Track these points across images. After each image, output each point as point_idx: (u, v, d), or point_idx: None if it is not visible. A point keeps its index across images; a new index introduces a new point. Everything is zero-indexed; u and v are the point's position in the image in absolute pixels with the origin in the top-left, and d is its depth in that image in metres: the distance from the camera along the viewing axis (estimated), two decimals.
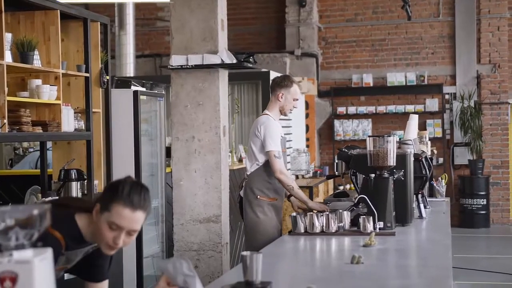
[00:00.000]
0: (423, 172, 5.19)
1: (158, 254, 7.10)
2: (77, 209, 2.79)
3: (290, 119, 10.79)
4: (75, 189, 5.67)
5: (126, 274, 6.33)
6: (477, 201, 12.64)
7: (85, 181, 5.83)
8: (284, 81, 5.47)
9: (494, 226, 12.86)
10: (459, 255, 9.80)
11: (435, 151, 10.42)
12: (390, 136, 4.56)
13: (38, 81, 5.24)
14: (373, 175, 4.53)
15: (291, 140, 10.83)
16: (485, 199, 12.67)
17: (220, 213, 5.93)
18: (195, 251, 5.92)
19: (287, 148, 10.08)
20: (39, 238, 2.28)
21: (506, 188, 13.05)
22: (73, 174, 5.67)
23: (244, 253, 2.81)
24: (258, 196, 5.35)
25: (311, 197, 9.08)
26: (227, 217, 6.09)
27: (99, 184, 6.12)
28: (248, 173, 5.43)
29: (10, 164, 8.98)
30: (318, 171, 11.14)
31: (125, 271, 6.25)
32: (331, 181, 11.67)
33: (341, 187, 12.50)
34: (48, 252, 1.85)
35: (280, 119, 9.06)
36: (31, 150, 9.09)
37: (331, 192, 10.77)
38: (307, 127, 12.83)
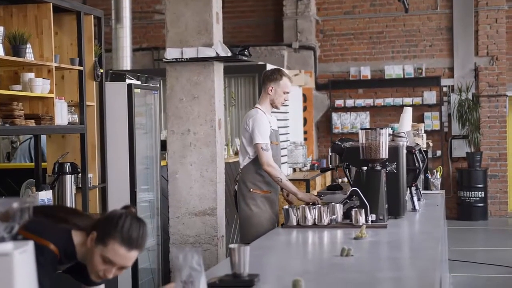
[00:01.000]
0: (416, 164, 5.18)
1: (153, 247, 7.10)
2: (74, 225, 2.78)
3: (287, 112, 10.80)
4: (69, 183, 5.67)
5: None
6: (475, 193, 12.65)
7: (79, 174, 5.82)
8: (274, 75, 5.49)
9: (492, 218, 12.87)
10: (456, 247, 9.81)
11: (431, 144, 10.41)
12: (382, 129, 4.56)
13: (31, 75, 5.23)
14: (365, 167, 4.54)
15: (288, 133, 10.84)
16: (483, 192, 12.67)
17: (215, 206, 5.93)
18: (190, 244, 5.92)
19: (282, 141, 10.13)
20: (35, 250, 2.27)
21: (504, 181, 13.06)
22: (67, 167, 5.66)
23: (232, 245, 2.82)
24: (251, 189, 5.39)
25: (307, 190, 9.09)
26: (222, 210, 6.09)
27: (93, 177, 6.12)
28: (240, 167, 5.49)
29: (7, 157, 8.98)
30: (316, 164, 11.14)
31: None
32: (328, 174, 11.68)
33: (339, 180, 12.52)
34: (29, 245, 1.85)
35: (278, 112, 9.09)
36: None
37: (328, 185, 10.77)
38: (305, 120, 12.83)
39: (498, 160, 13.02)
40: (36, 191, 5.51)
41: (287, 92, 5.51)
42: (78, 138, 5.92)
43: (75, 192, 5.76)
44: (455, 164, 13.13)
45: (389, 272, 3.20)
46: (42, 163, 6.01)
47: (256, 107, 5.50)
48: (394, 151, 4.68)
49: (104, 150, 6.28)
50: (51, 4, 5.41)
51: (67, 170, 5.66)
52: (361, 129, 4.60)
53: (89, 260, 2.71)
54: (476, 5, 12.99)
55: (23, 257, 1.80)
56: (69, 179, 5.67)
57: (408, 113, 5.67)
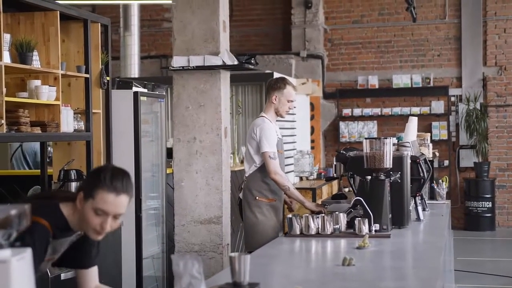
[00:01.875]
0: (421, 174, 5.17)
1: (158, 255, 7.11)
2: (61, 199, 2.86)
3: (295, 121, 10.80)
4: (75, 190, 5.69)
5: (125, 275, 6.34)
6: (482, 203, 12.60)
7: None
8: (277, 83, 5.53)
9: (499, 229, 12.82)
10: (463, 258, 9.78)
11: (437, 154, 10.38)
12: (386, 138, 4.56)
13: (37, 82, 5.26)
14: (369, 177, 4.53)
15: (295, 142, 10.84)
16: (490, 202, 12.63)
17: (221, 214, 5.93)
18: (196, 252, 5.93)
19: (288, 150, 10.13)
20: (26, 229, 2.34)
21: (511, 191, 13.00)
22: (73, 174, 5.68)
23: (232, 254, 2.82)
24: (257, 197, 5.41)
25: (313, 199, 9.08)
26: (228, 218, 6.09)
27: None
28: (246, 175, 5.52)
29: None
30: (323, 173, 11.13)
31: (124, 272, 6.26)
32: (335, 183, 11.65)
33: (346, 189, 12.49)
34: (27, 252, 1.85)
35: (285, 121, 9.11)
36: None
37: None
38: (312, 128, 12.83)
39: (506, 170, 12.98)
40: None
41: (291, 101, 5.54)
42: (84, 145, 5.95)
43: None
44: (462, 174, 13.10)
45: (390, 282, 3.19)
46: (48, 170, 6.03)
47: (262, 116, 5.54)
48: (398, 160, 4.67)
49: (110, 158, 6.30)
50: (58, 12, 5.45)
51: (73, 177, 5.68)
52: (366, 138, 4.60)
53: (84, 220, 2.76)
54: (484, 15, 12.98)
55: (20, 264, 1.81)
56: (74, 186, 5.69)
57: (413, 122, 5.67)
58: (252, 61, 6.24)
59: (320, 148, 13.16)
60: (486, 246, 11.67)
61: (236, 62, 5.96)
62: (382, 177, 4.54)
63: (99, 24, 6.17)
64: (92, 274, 3.07)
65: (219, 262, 5.88)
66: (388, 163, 4.51)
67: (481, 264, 9.69)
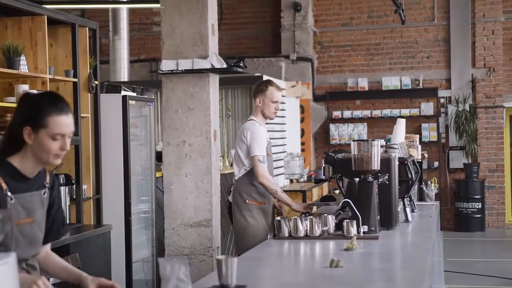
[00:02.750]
0: (409, 176, 5.19)
1: (148, 258, 7.11)
2: (4, 155, 2.82)
3: (285, 124, 10.82)
4: (63, 194, 5.67)
5: (115, 278, 6.33)
6: (472, 204, 12.65)
7: (74, 185, 5.84)
8: (259, 86, 5.63)
9: (489, 229, 12.87)
10: (454, 258, 9.81)
11: (426, 155, 10.42)
12: (374, 140, 4.57)
13: (25, 86, 5.26)
14: (357, 179, 4.54)
15: (285, 145, 10.86)
16: (480, 203, 12.67)
17: (211, 217, 5.94)
18: (186, 255, 5.93)
19: (279, 152, 10.13)
20: None
21: (501, 192, 13.06)
22: (62, 178, 5.68)
23: (219, 257, 2.83)
24: (247, 201, 5.44)
25: (304, 201, 9.09)
26: (218, 221, 6.10)
27: (88, 189, 6.13)
28: (235, 178, 5.55)
29: None
30: (313, 175, 11.14)
31: (113, 275, 6.25)
32: (325, 185, 11.68)
33: (337, 191, 12.50)
34: (11, 257, 1.86)
35: (275, 123, 9.13)
36: None
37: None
38: (303, 131, 12.86)
39: (495, 171, 13.03)
40: None
41: (276, 102, 5.59)
42: (73, 149, 5.94)
43: (69, 204, 5.77)
44: (452, 175, 13.14)
45: (378, 283, 3.20)
46: None
47: (252, 119, 5.59)
48: (386, 162, 4.69)
49: (99, 162, 6.30)
50: (46, 16, 5.45)
51: (62, 182, 5.67)
52: (354, 140, 4.61)
53: (42, 151, 2.76)
54: (473, 17, 13.04)
55: (4, 269, 1.81)
56: (63, 191, 5.68)
57: (401, 124, 5.69)
58: (240, 64, 6.25)
59: (311, 151, 13.19)
60: (476, 247, 11.70)
61: (224, 66, 5.97)
62: (370, 179, 4.55)
63: (87, 28, 6.17)
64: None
65: (209, 265, 5.88)
66: (376, 165, 4.52)
67: (471, 264, 9.72)
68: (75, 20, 5.90)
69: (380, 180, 4.62)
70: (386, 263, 3.75)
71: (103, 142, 6.37)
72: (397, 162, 4.86)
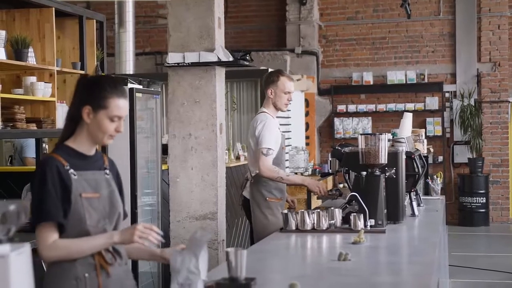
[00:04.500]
0: (416, 170, 5.19)
1: None
2: (61, 141, 2.98)
3: (289, 117, 10.81)
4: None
5: None
6: (476, 199, 12.65)
7: None
8: (271, 77, 5.48)
9: (493, 224, 12.87)
10: (458, 253, 9.82)
11: (432, 149, 10.43)
12: (381, 134, 4.57)
13: (33, 78, 5.26)
14: (364, 172, 4.54)
15: (290, 138, 10.85)
16: (484, 198, 12.67)
17: (216, 210, 5.94)
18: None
19: (286, 146, 10.11)
20: (41, 162, 2.87)
21: (505, 187, 13.06)
22: None
23: (228, 249, 2.84)
24: (267, 198, 5.33)
25: (308, 195, 9.08)
26: (223, 215, 6.10)
27: None
28: (252, 174, 5.38)
29: (10, 161, 9.01)
30: (318, 169, 11.14)
31: None
32: (330, 179, 11.68)
33: (341, 185, 12.50)
34: (26, 247, 1.87)
35: (279, 117, 9.08)
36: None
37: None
38: (307, 125, 12.86)
39: (500, 166, 13.03)
40: None
41: (288, 92, 5.46)
42: None
43: None
44: (457, 169, 13.13)
45: (385, 276, 3.21)
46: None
47: (263, 112, 5.47)
48: (393, 156, 4.69)
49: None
50: (53, 8, 5.45)
51: None
52: (361, 134, 4.61)
53: (98, 130, 2.90)
54: (478, 12, 13.02)
55: (19, 259, 1.82)
56: None
57: (408, 118, 5.69)
58: (247, 57, 6.25)
59: (315, 144, 13.19)
60: (480, 242, 11.71)
61: (231, 59, 5.97)
62: (377, 172, 4.55)
63: (94, 20, 6.17)
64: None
65: (214, 258, 5.89)
66: (383, 158, 4.53)
67: (475, 259, 9.73)
68: (82, 12, 5.90)
69: (387, 174, 4.62)
70: (393, 257, 3.76)
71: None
72: (404, 156, 4.86)
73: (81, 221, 2.86)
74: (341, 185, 12.13)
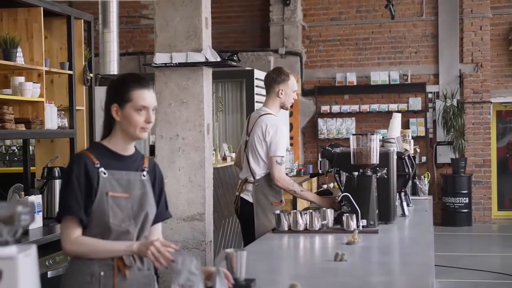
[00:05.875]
0: (406, 170, 5.21)
1: None
2: (102, 139, 3.05)
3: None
4: (58, 187, 5.63)
5: None
6: (459, 199, 12.73)
7: None
8: (281, 76, 5.24)
9: (476, 224, 12.96)
10: (441, 253, 9.86)
11: (418, 150, 10.47)
12: (373, 134, 4.58)
13: (21, 78, 5.21)
14: (356, 173, 4.55)
15: None
16: (467, 198, 12.75)
17: (204, 211, 5.93)
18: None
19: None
20: (71, 158, 2.93)
21: (488, 187, 13.15)
22: (57, 172, 5.63)
23: (228, 250, 2.83)
24: (272, 203, 5.17)
25: (293, 196, 9.07)
26: (211, 215, 6.09)
27: None
28: (256, 177, 5.18)
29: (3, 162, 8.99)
30: (302, 170, 11.16)
31: None
32: (314, 180, 11.71)
33: (325, 186, 12.53)
34: (32, 249, 1.85)
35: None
36: (14, 147, 9.07)
37: (314, 190, 10.78)
38: (291, 125, 12.87)
39: (482, 166, 13.12)
40: (25, 195, 5.47)
41: (295, 91, 5.32)
42: (67, 142, 5.90)
43: None
44: (439, 170, 13.21)
45: (383, 276, 3.21)
46: (31, 168, 5.97)
47: (270, 114, 5.23)
48: (384, 156, 4.70)
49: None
50: (42, 8, 5.40)
51: (57, 175, 5.62)
52: (353, 134, 4.61)
53: (129, 125, 2.95)
54: (461, 13, 13.10)
55: (27, 261, 1.80)
56: (58, 184, 5.64)
57: (397, 119, 5.70)
58: (234, 58, 6.24)
59: (299, 145, 13.20)
60: (463, 241, 11.78)
61: (219, 59, 5.96)
62: (369, 173, 4.56)
63: (82, 20, 6.13)
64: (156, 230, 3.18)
65: (202, 259, 5.87)
66: (375, 159, 4.53)
67: (459, 259, 9.79)
68: (70, 12, 5.86)
69: (378, 174, 4.63)
70: (390, 257, 3.77)
71: (97, 135, 6.33)
72: (395, 156, 4.87)
73: (104, 218, 2.90)
74: (324, 186, 12.14)
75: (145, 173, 3.05)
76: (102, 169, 2.93)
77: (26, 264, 1.80)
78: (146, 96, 2.96)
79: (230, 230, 8.10)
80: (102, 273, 2.90)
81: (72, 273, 2.95)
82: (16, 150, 9.56)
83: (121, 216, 2.94)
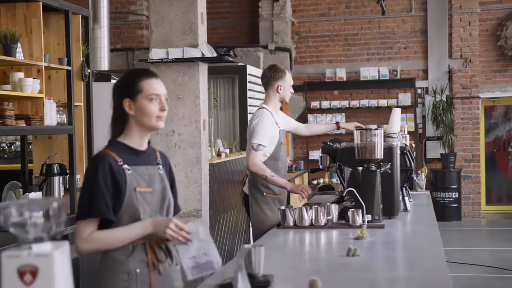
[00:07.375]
0: (408, 165, 5.21)
1: None
2: (114, 137, 3.02)
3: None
4: (57, 184, 5.60)
5: None
6: (449, 194, 12.78)
7: (67, 175, 5.76)
8: (278, 73, 5.45)
9: (465, 219, 13.02)
10: None
11: (413, 144, 10.50)
12: (377, 129, 4.57)
13: (21, 74, 5.16)
14: (360, 168, 4.54)
15: None
16: (456, 192, 12.81)
17: (200, 207, 5.92)
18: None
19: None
20: (94, 158, 2.96)
21: (477, 182, 13.21)
22: (55, 168, 5.59)
23: (247, 246, 2.81)
24: (265, 193, 5.32)
25: (288, 193, 9.08)
26: (207, 211, 6.08)
27: (81, 179, 6.05)
28: (251, 170, 5.29)
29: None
30: (293, 166, 11.16)
31: None
32: (305, 175, 11.71)
33: (321, 181, 12.55)
34: (66, 246, 1.83)
35: (251, 113, 8.93)
36: (4, 145, 9.01)
37: None
38: None
39: (471, 161, 13.18)
40: (25, 192, 5.43)
41: (292, 84, 5.56)
42: (65, 139, 5.85)
43: (63, 194, 5.69)
44: (429, 165, 13.25)
45: (399, 271, 3.22)
46: (29, 165, 5.92)
47: (263, 108, 5.42)
48: (388, 151, 4.69)
49: (91, 151, 6.22)
50: (41, 3, 5.35)
51: (55, 172, 5.59)
52: (356, 129, 4.60)
53: (144, 116, 2.94)
54: (450, 8, 13.14)
55: (62, 257, 1.78)
56: (57, 181, 5.60)
57: (397, 113, 5.70)
58: (230, 53, 6.23)
59: (289, 141, 13.19)
60: (453, 236, 11.82)
61: (215, 55, 5.94)
62: (373, 168, 4.55)
63: (80, 16, 6.08)
64: None
65: None
66: (379, 153, 4.53)
67: (449, 253, 9.79)
68: (68, 7, 5.80)
69: (382, 169, 4.62)
70: (400, 252, 3.77)
71: (95, 131, 6.29)
72: (398, 151, 4.87)
73: (136, 215, 2.89)
74: (314, 181, 12.14)
75: (161, 166, 3.07)
76: (125, 166, 2.92)
77: (61, 260, 1.78)
78: (155, 84, 2.97)
79: (225, 226, 8.08)
80: (138, 270, 2.89)
81: (107, 272, 2.93)
82: (6, 147, 9.49)
83: (149, 211, 2.94)
